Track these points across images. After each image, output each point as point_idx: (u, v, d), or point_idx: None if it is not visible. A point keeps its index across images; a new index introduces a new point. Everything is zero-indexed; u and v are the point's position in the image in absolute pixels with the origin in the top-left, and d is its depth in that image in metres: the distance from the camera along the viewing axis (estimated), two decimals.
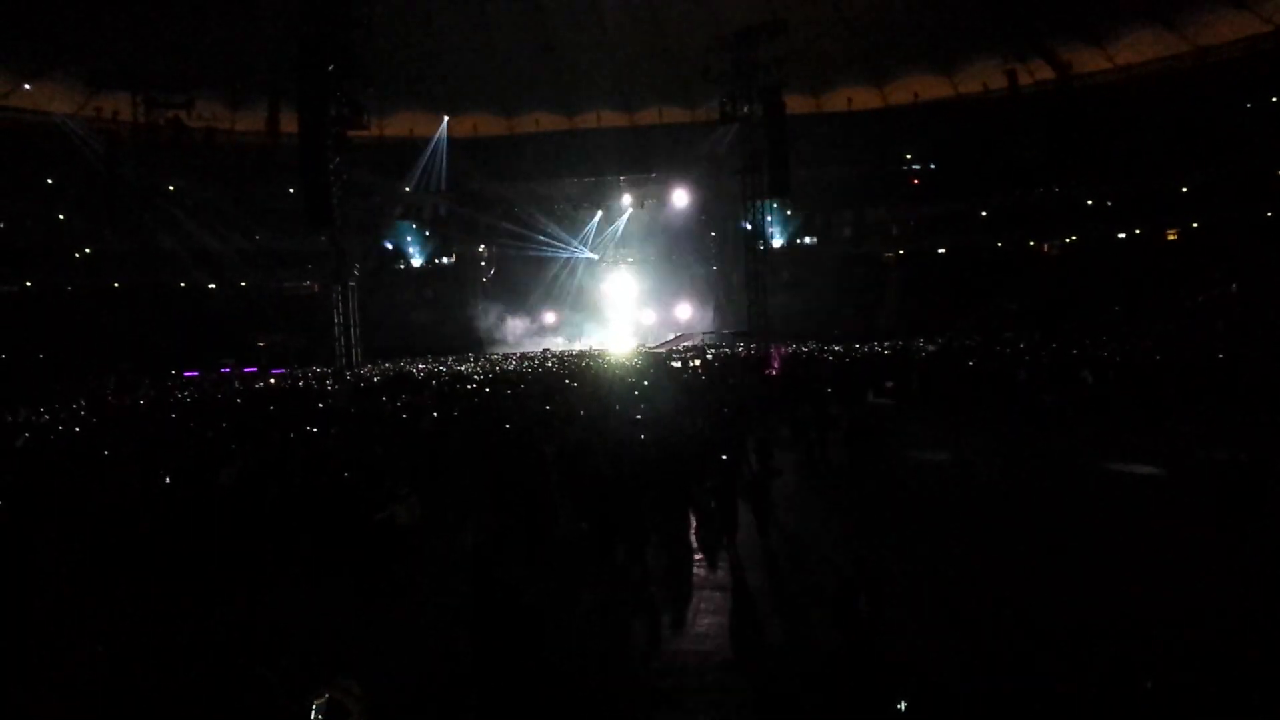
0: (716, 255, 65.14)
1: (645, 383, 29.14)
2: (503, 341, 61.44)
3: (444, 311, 64.76)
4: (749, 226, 43.21)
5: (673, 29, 56.96)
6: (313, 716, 5.46)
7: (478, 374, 38.21)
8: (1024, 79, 57.79)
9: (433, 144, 61.93)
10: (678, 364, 38.31)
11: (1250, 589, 10.35)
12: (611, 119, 65.36)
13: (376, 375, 41.21)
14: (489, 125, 66.16)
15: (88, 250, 57.68)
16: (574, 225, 66.13)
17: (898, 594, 10.08)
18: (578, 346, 58.00)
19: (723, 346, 49.16)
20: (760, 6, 48.97)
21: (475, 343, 60.14)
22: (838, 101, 63.06)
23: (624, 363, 40.81)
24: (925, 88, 61.73)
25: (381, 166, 59.72)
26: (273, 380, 44.02)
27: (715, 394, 25.30)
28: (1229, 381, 24.44)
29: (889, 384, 28.11)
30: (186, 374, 46.84)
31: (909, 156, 64.71)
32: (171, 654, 9.51)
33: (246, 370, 49.46)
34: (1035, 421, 21.87)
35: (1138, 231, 56.19)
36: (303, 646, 10.09)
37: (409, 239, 67.81)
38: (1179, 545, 12.18)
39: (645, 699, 8.75)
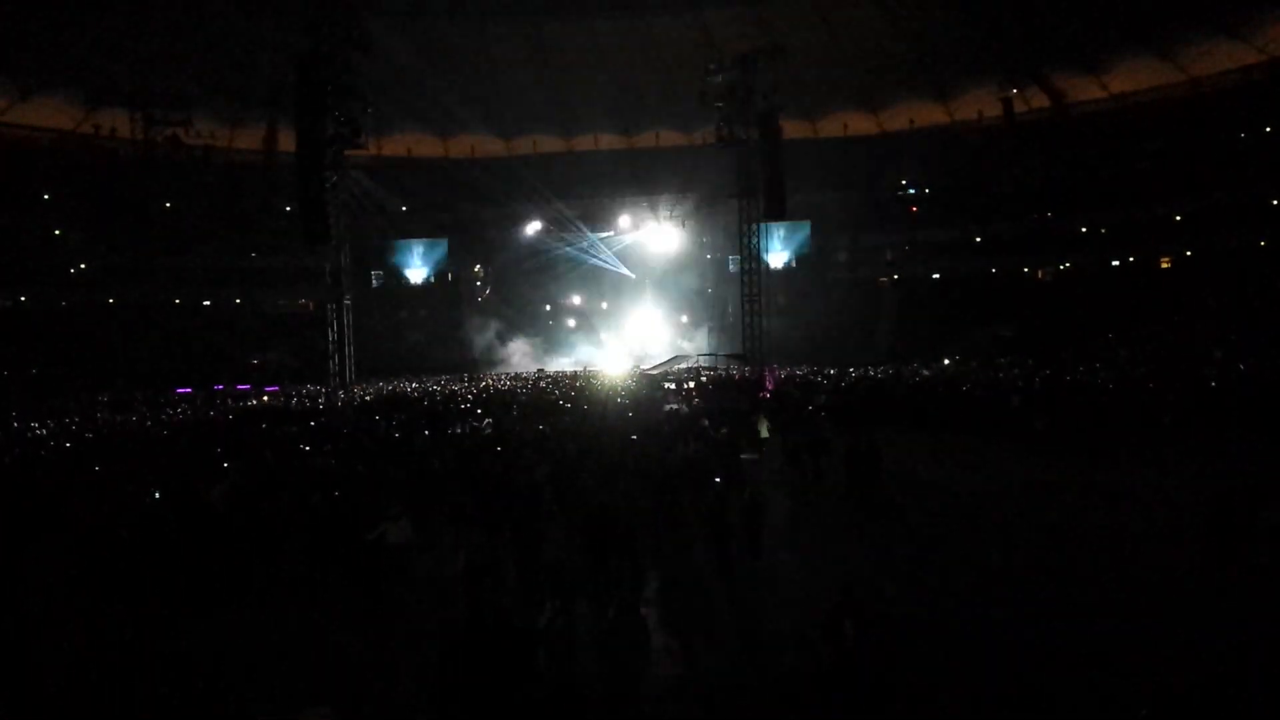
0: (713, 277, 65.27)
1: (639, 404, 29.11)
2: (497, 361, 61.38)
3: (438, 331, 64.74)
4: (744, 250, 43.36)
5: (670, 53, 57.28)
6: None
7: (471, 394, 38.13)
8: (1019, 106, 58.16)
9: None
10: (672, 386, 38.26)
11: (1245, 617, 10.33)
12: (609, 142, 65.64)
13: (370, 394, 41.06)
14: (487, 146, 66.41)
15: (83, 266, 57.69)
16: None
17: (887, 618, 10.06)
18: (571, 367, 57.93)
19: (717, 369, 49.14)
20: (757, 33, 49.40)
21: (469, 362, 60.08)
22: (833, 127, 63.40)
23: (617, 384, 40.76)
24: (921, 114, 62.10)
25: (379, 185, 59.88)
26: (266, 398, 43.87)
27: (709, 417, 25.25)
28: (1222, 408, 24.49)
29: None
30: (179, 391, 46.67)
31: (904, 182, 64.98)
32: (155, 672, 9.44)
33: (240, 388, 49.30)
34: (1029, 446, 21.92)
35: (1131, 259, 56.38)
36: (291, 667, 10.04)
37: (404, 257, 67.90)
38: (1172, 572, 12.17)
39: None
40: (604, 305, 66.76)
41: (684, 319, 64.97)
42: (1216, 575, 11.74)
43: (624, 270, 65.57)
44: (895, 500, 17.15)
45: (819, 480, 18.74)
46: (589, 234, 65.04)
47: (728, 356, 52.19)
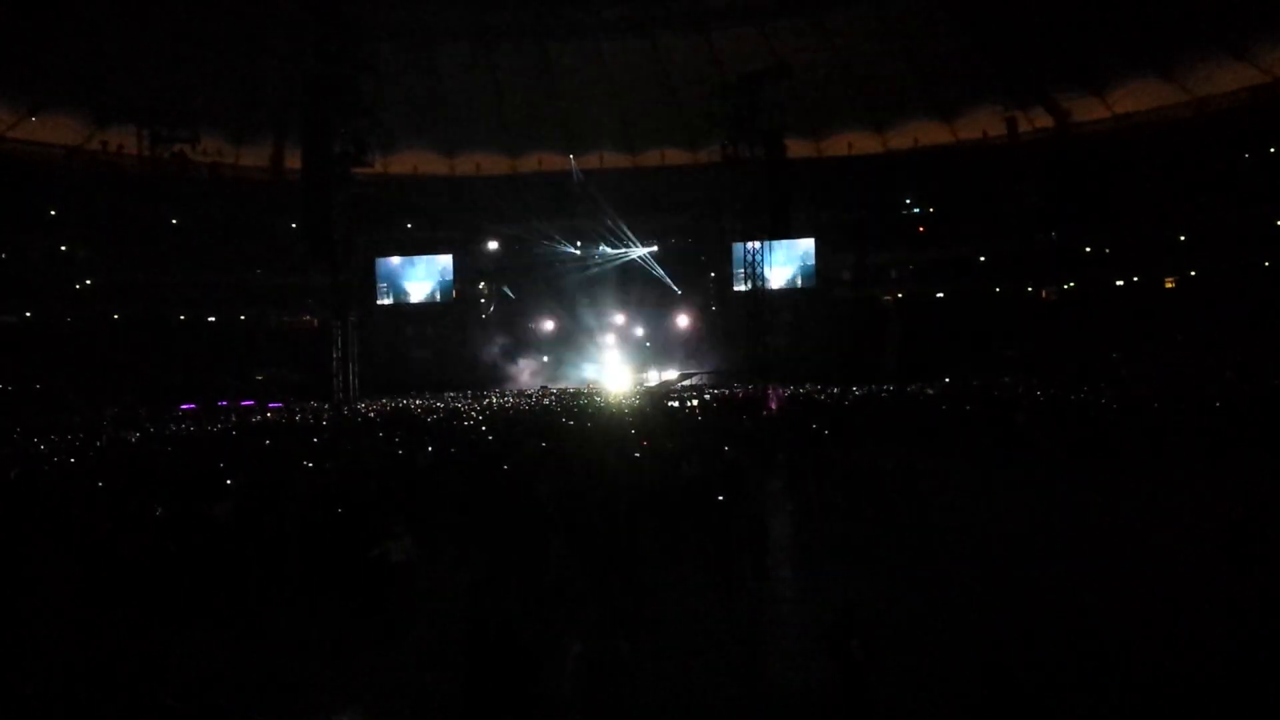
0: (716, 296, 65.25)
1: (642, 422, 29.07)
2: (501, 379, 61.40)
3: (443, 348, 64.78)
4: (749, 268, 43.42)
5: (676, 73, 57.55)
6: None
7: (475, 411, 38.12)
8: (1024, 126, 58.29)
9: None
10: (675, 404, 38.24)
11: (1253, 638, 10.26)
12: (614, 160, 65.79)
13: (374, 411, 41.03)
14: (492, 165, 66.62)
15: (89, 282, 57.81)
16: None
17: (893, 638, 9.99)
18: (575, 385, 57.93)
19: (721, 387, 49.12)
20: (763, 53, 49.59)
21: (474, 380, 60.11)
22: (838, 146, 63.53)
23: (621, 402, 40.73)
24: (925, 133, 62.20)
25: (385, 203, 60.04)
26: (270, 414, 43.86)
27: (712, 435, 25.20)
28: (1228, 428, 24.41)
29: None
30: (184, 407, 46.67)
31: (909, 201, 65.04)
32: (158, 689, 9.40)
33: (244, 404, 49.32)
34: (1034, 465, 21.84)
35: (1136, 279, 56.33)
36: (292, 684, 9.99)
37: (409, 275, 68.02)
38: (1185, 591, 12.09)
39: None
40: (609, 323, 66.66)
41: (687, 337, 64.86)
42: (1229, 594, 11.65)
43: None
44: (896, 518, 17.10)
45: (822, 499, 18.70)
46: (594, 251, 65.14)
47: (731, 375, 52.18)
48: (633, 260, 64.75)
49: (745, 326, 44.68)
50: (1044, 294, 61.13)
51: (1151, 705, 8.71)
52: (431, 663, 10.40)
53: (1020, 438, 24.40)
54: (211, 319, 61.32)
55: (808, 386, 46.87)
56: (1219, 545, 12.17)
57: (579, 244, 64.87)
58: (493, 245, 66.13)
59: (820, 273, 64.84)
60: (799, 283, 65.13)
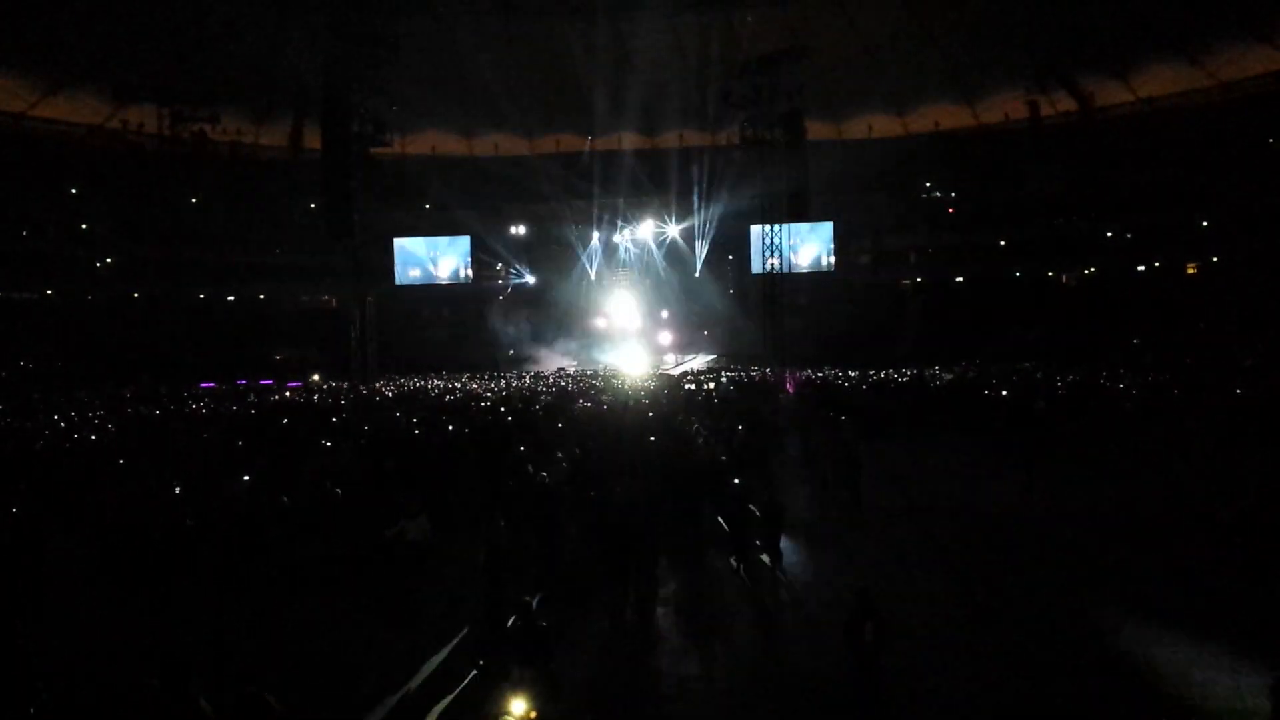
0: (734, 278, 65.06)
1: (658, 405, 29.05)
2: (518, 360, 61.46)
3: (460, 329, 64.90)
4: (766, 251, 43.26)
5: (695, 53, 57.20)
6: None
7: (491, 392, 38.18)
8: (1046, 110, 57.79)
9: None
10: (691, 387, 38.16)
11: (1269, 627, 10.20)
12: (632, 141, 65.55)
13: (392, 391, 41.15)
14: (510, 145, 66.55)
15: (109, 260, 58.14)
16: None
17: (906, 623, 9.99)
18: (592, 367, 57.92)
19: (738, 370, 48.98)
20: (782, 33, 49.22)
21: (490, 361, 60.20)
22: (858, 129, 63.14)
23: (637, 384, 40.70)
24: (946, 117, 61.75)
25: (404, 183, 60.14)
26: (288, 393, 44.07)
27: (728, 418, 25.13)
28: (1250, 416, 24.18)
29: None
30: (203, 385, 46.97)
31: (929, 185, 64.63)
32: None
33: (263, 383, 49.60)
34: (1053, 452, 21.70)
35: (1157, 264, 55.89)
36: (310, 664, 10.06)
37: (428, 255, 68.08)
38: (1193, 577, 12.02)
39: None
40: (626, 305, 66.58)
41: (706, 319, 64.77)
42: (1242, 583, 11.58)
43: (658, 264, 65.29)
44: (910, 503, 17.07)
45: (836, 483, 18.65)
46: (612, 233, 65.04)
47: (748, 358, 51.99)
48: (651, 242, 64.72)
49: (762, 310, 44.51)
50: (1064, 279, 60.74)
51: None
52: (447, 641, 10.45)
53: (1040, 424, 24.20)
54: (231, 298, 61.65)
55: (826, 370, 46.68)
56: (1227, 535, 12.07)
57: (596, 225, 64.77)
58: (511, 226, 66.11)
59: (839, 256, 64.56)
60: (817, 265, 64.81)
